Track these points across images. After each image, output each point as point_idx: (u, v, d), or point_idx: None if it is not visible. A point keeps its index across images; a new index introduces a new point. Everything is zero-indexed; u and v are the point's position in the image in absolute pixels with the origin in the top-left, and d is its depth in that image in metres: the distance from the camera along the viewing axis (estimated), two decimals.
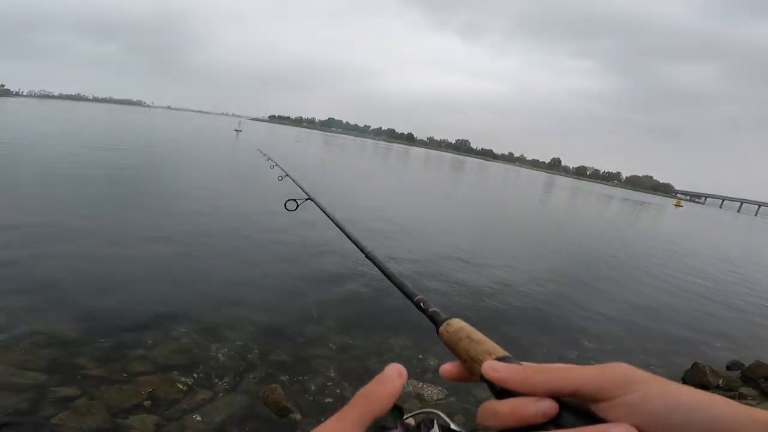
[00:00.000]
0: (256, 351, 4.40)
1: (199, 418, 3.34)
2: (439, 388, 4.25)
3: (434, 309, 0.70)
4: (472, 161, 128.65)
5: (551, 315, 7.01)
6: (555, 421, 0.39)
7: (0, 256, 5.74)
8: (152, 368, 3.84)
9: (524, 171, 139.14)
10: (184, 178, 15.37)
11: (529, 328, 6.29)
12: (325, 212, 1.58)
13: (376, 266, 1.03)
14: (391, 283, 0.84)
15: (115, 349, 4.03)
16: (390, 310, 6.04)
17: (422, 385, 4.19)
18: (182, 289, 5.71)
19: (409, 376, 4.07)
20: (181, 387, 3.66)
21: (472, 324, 0.54)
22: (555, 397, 0.40)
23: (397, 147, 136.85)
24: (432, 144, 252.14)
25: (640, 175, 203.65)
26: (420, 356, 4.83)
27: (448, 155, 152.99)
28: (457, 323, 0.63)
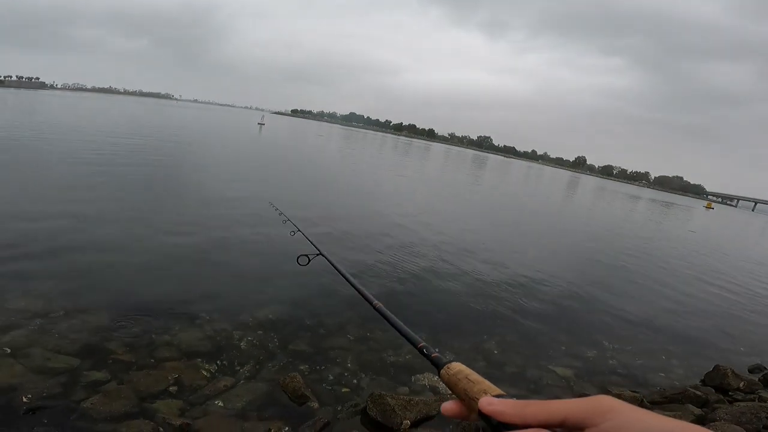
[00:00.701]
0: (277, 340, 4.52)
1: (221, 404, 3.46)
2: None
3: (436, 354, 0.79)
4: (494, 158, 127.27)
5: (571, 314, 6.97)
6: None
7: (37, 244, 6.01)
8: (178, 355, 3.98)
9: (548, 169, 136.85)
10: (211, 172, 15.73)
11: (549, 326, 6.26)
12: (335, 267, 1.65)
13: (384, 317, 1.10)
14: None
15: (143, 335, 4.18)
16: (407, 305, 6.12)
17: (438, 379, 4.24)
18: (207, 279, 5.90)
19: (425, 370, 4.16)
20: (204, 373, 3.80)
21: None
22: (546, 427, 0.45)
23: (417, 142, 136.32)
24: (453, 140, 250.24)
25: (670, 175, 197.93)
26: (436, 351, 4.87)
27: (470, 152, 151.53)
28: (456, 366, 0.72)
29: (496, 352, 5.15)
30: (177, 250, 6.74)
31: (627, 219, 27.16)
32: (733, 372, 4.99)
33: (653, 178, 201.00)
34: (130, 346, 3.97)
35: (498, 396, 0.52)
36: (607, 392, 4.10)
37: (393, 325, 1.03)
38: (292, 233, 2.60)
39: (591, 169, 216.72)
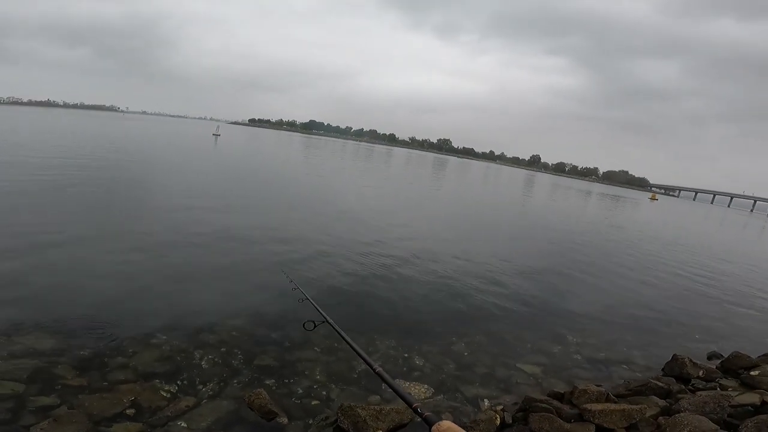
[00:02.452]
0: (241, 356, 4.35)
1: (184, 425, 3.30)
2: (426, 386, 4.26)
3: (428, 413, 0.93)
4: (454, 160, 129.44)
5: (534, 311, 7.09)
6: None
7: None
8: (133, 377, 3.78)
9: (506, 169, 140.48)
10: (160, 184, 15.15)
11: (513, 324, 6.35)
12: (339, 333, 1.81)
13: (384, 381, 1.25)
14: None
15: (94, 358, 3.95)
16: (375, 312, 6.06)
17: (409, 384, 4.19)
18: (163, 297, 5.60)
19: (396, 376, 4.10)
20: (164, 394, 3.61)
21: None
22: None
23: (379, 148, 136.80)
24: (414, 144, 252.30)
25: (617, 170, 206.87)
26: (405, 355, 4.85)
27: (431, 155, 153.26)
28: (446, 424, 0.89)
29: (465, 353, 5.16)
30: (127, 271, 6.29)
31: (580, 214, 28.21)
32: (691, 361, 5.14)
33: (602, 173, 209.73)
34: (80, 370, 3.76)
35: None
36: (575, 388, 4.19)
37: (391, 387, 1.20)
38: (301, 300, 2.58)
39: (545, 167, 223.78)
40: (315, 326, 1.98)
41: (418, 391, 4.16)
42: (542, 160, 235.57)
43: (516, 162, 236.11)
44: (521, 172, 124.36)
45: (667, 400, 4.24)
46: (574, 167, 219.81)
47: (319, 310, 2.15)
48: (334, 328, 1.88)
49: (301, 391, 3.95)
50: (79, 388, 3.53)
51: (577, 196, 48.13)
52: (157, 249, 7.38)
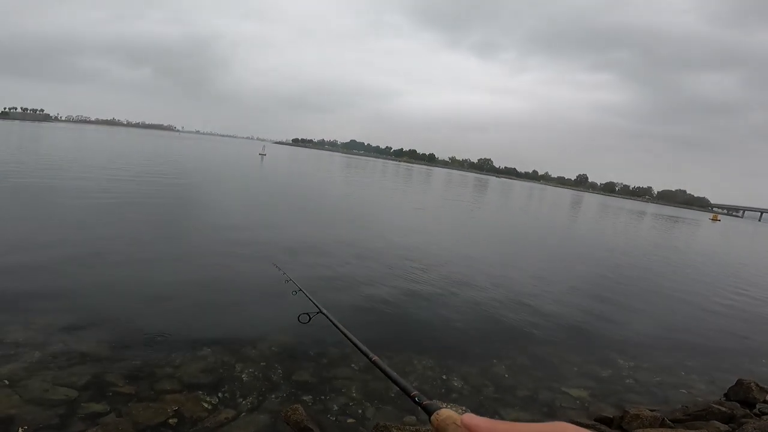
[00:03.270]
0: (280, 371, 4.40)
1: None
2: (464, 408, 4.13)
3: (427, 402, 0.91)
4: (494, 180, 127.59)
5: (582, 333, 6.79)
6: None
7: (38, 277, 5.98)
8: (179, 387, 3.89)
9: (550, 189, 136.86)
10: (215, 207, 15.79)
11: (559, 347, 6.10)
12: (335, 325, 1.77)
13: (380, 370, 1.23)
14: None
15: (144, 367, 4.11)
16: (414, 331, 5.99)
17: (447, 406, 4.08)
18: (210, 310, 5.80)
19: (433, 396, 4.01)
20: (205, 405, 3.70)
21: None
22: None
23: (418, 168, 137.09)
24: (454, 164, 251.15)
25: (673, 189, 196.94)
26: (444, 377, 4.75)
27: (471, 175, 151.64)
28: (445, 412, 0.83)
29: (506, 376, 4.99)
30: (178, 286, 6.61)
31: (632, 234, 26.90)
32: (757, 385, 4.81)
33: (656, 192, 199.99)
34: (130, 378, 3.91)
35: None
36: (625, 413, 3.95)
37: (387, 375, 1.18)
38: (294, 293, 2.63)
39: (593, 187, 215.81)
40: (310, 318, 2.01)
41: (457, 412, 4.04)
42: (590, 180, 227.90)
43: (561, 182, 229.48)
44: (567, 193, 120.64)
45: (730, 424, 3.94)
46: (626, 187, 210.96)
47: (313, 300, 2.19)
48: (327, 317, 1.90)
49: (337, 408, 3.94)
50: (128, 396, 3.66)
51: (629, 217, 46.03)
52: (208, 265, 7.70)
